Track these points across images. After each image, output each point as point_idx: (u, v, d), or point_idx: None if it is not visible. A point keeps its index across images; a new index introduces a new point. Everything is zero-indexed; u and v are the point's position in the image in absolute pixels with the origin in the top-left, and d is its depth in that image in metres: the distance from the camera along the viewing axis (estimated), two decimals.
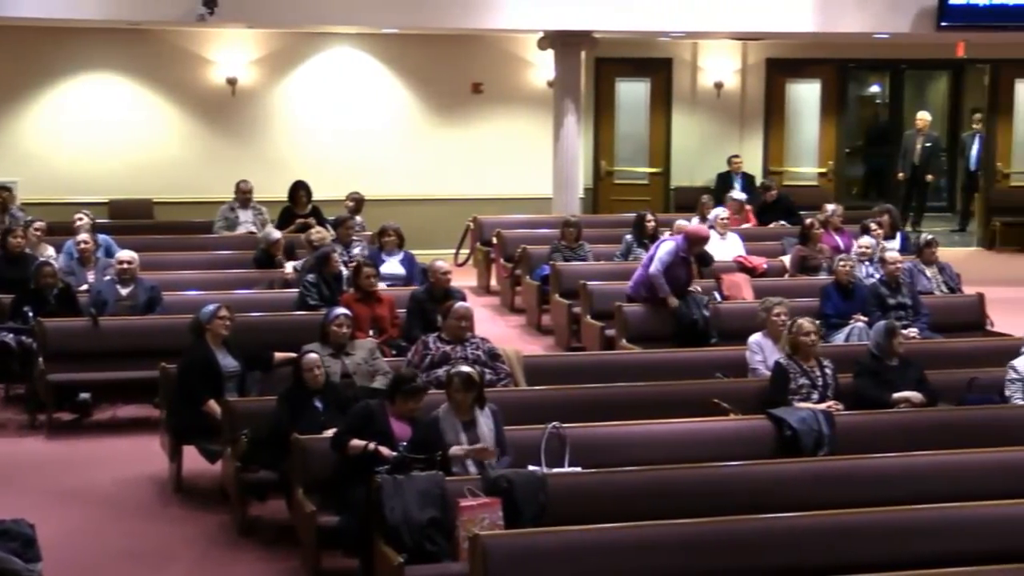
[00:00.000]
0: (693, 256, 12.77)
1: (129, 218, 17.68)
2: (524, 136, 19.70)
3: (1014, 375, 10.05)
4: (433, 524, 7.50)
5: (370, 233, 14.99)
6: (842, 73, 21.66)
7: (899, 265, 12.74)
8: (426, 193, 19.38)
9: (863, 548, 7.23)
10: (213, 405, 9.61)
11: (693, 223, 15.35)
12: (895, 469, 8.35)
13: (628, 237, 14.99)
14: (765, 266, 14.50)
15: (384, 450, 8.06)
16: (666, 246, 12.62)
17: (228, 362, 10.01)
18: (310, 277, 12.48)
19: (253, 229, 15.70)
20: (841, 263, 12.74)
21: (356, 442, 8.15)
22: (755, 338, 10.61)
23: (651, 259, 12.59)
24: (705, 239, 12.90)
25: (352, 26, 18.32)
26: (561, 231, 15.14)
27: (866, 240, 14.10)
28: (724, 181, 19.41)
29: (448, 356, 9.87)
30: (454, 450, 8.05)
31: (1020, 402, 9.92)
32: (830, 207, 15.79)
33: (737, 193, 17.50)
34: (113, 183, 18.52)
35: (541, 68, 19.61)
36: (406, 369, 9.23)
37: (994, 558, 7.04)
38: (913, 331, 11.92)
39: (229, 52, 18.99)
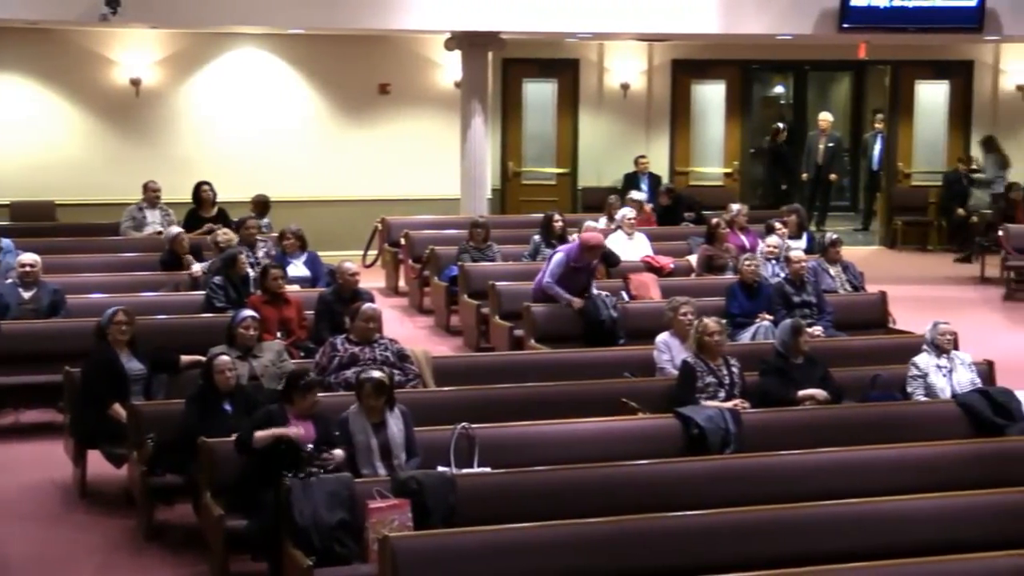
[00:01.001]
0: (587, 263, 12.73)
1: (31, 220, 17.43)
2: (432, 137, 19.68)
3: (915, 371, 10.21)
4: (342, 526, 7.48)
5: (275, 235, 14.90)
6: (746, 74, 21.85)
7: (803, 264, 12.88)
8: (334, 194, 19.30)
9: (771, 544, 7.30)
10: (118, 409, 9.50)
11: (601, 223, 15.45)
12: (801, 466, 8.45)
13: (536, 237, 15.03)
14: (672, 266, 14.59)
15: (292, 431, 8.02)
16: (556, 257, 12.70)
17: (133, 365, 9.91)
18: (216, 279, 12.39)
19: (160, 229, 15.56)
20: (747, 262, 12.86)
21: (261, 433, 8.10)
22: (662, 337, 10.69)
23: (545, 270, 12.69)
24: (597, 247, 12.83)
25: (258, 26, 18.20)
26: (469, 232, 15.14)
27: (773, 240, 14.24)
28: (631, 181, 19.52)
29: (356, 357, 9.85)
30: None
31: (921, 398, 10.08)
32: (735, 207, 15.95)
33: (637, 193, 17.57)
34: (14, 185, 18.24)
35: (448, 69, 19.60)
36: (297, 368, 9.21)
37: (898, 552, 7.13)
38: (817, 329, 12.06)
39: (133, 52, 18.78)
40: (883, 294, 13.32)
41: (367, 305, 10.33)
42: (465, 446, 8.54)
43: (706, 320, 9.97)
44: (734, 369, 9.85)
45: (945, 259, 19.81)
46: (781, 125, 19.97)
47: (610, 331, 12.20)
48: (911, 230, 21.18)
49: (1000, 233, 17.59)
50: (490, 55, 18.39)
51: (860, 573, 6.85)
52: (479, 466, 8.44)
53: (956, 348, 10.37)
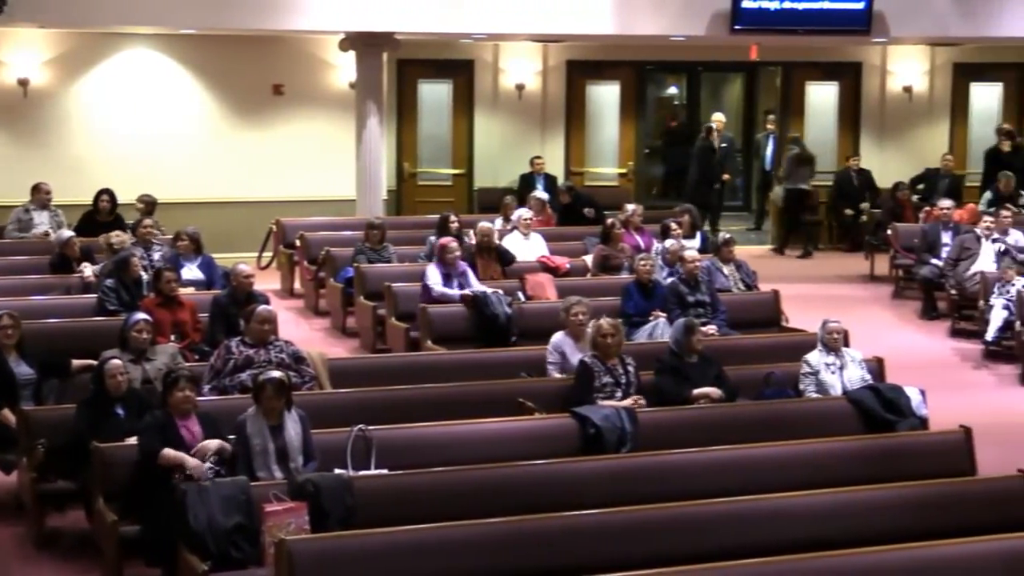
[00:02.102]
0: (448, 266, 12.99)
1: None
2: (327, 138, 19.58)
3: (807, 369, 10.35)
4: (238, 530, 7.43)
5: (169, 236, 14.75)
6: (640, 75, 21.99)
7: (697, 263, 13.00)
8: (228, 196, 19.12)
9: (668, 542, 7.36)
10: (7, 414, 9.35)
11: (497, 224, 15.49)
12: (696, 464, 8.53)
13: (432, 239, 14.99)
14: (568, 266, 14.66)
15: (194, 466, 7.95)
16: (429, 270, 13.01)
17: (22, 369, 9.76)
18: (109, 282, 12.24)
19: (49, 230, 15.33)
20: (642, 262, 12.94)
21: (170, 453, 8.03)
22: (557, 337, 10.73)
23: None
24: (447, 247, 13.11)
25: (149, 26, 17.98)
26: (365, 233, 15.09)
27: (671, 243, 14.28)
28: (527, 182, 19.56)
29: (251, 360, 9.79)
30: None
31: (813, 395, 10.22)
32: (630, 207, 16.05)
33: (540, 192, 17.66)
34: None
35: (343, 69, 19.51)
36: (172, 368, 9.19)
37: (794, 547, 7.22)
38: (711, 328, 12.16)
39: (20, 52, 18.47)
40: (776, 293, 13.47)
41: (261, 307, 10.27)
42: (362, 448, 8.52)
43: (600, 321, 10.02)
44: (630, 368, 9.92)
45: (836, 257, 20.10)
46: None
47: (504, 328, 12.23)
48: (803, 229, 21.42)
49: (889, 232, 17.87)
50: (385, 56, 18.34)
51: (754, 569, 6.91)
52: (376, 468, 8.43)
53: (847, 345, 10.53)
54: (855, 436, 9.33)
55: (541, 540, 7.24)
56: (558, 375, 10.38)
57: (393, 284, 13.36)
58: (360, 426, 8.61)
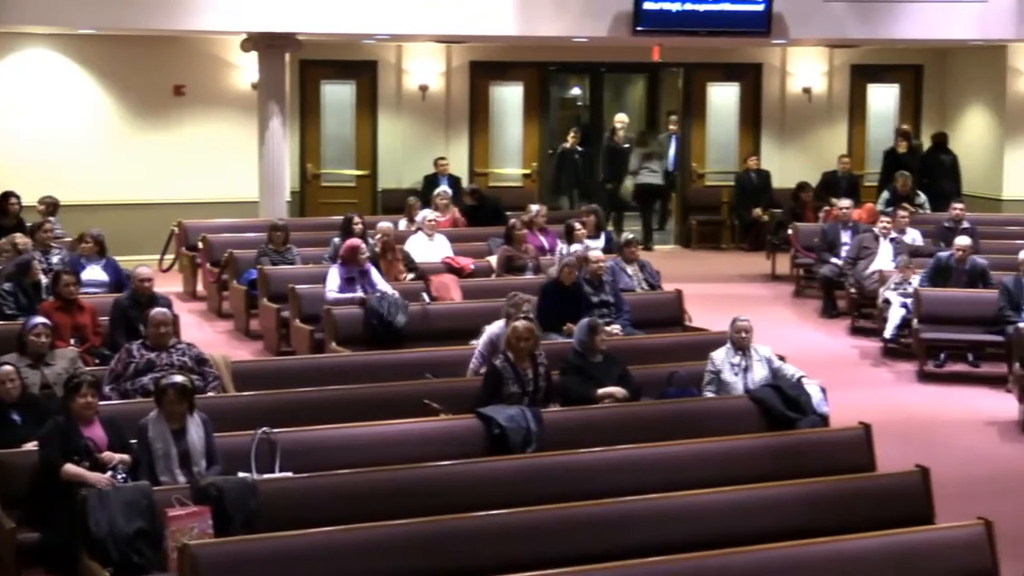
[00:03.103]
0: (352, 267, 12.93)
1: None
2: (229, 139, 19.42)
3: (710, 367, 10.43)
4: (141, 535, 7.36)
5: (70, 239, 14.56)
6: (544, 76, 22.05)
7: (602, 264, 13.05)
8: (129, 198, 18.89)
9: (574, 541, 7.39)
10: None
11: (401, 225, 15.46)
12: (601, 464, 8.57)
13: (336, 240, 14.93)
14: (472, 266, 14.67)
15: (95, 478, 7.86)
16: (330, 273, 12.95)
17: None
18: (6, 286, 12.06)
19: None
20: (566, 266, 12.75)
21: (72, 469, 7.93)
22: (495, 327, 10.69)
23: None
24: (353, 248, 13.06)
25: (46, 26, 17.71)
26: (269, 235, 15.01)
27: (576, 248, 14.27)
28: (431, 183, 19.55)
29: (153, 363, 9.71)
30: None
31: (710, 395, 10.27)
32: (534, 208, 16.10)
33: (445, 188, 17.64)
34: None
35: (245, 70, 19.37)
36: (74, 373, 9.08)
37: (699, 545, 7.28)
38: (616, 328, 12.22)
39: None
40: (679, 292, 13.57)
41: (156, 310, 10.18)
42: (267, 451, 8.47)
43: (518, 323, 9.98)
44: (541, 371, 9.89)
45: (738, 257, 20.30)
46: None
47: (398, 329, 12.16)
48: (705, 229, 21.64)
49: (790, 232, 18.09)
50: (287, 56, 18.25)
51: (659, 567, 6.95)
52: (281, 471, 8.39)
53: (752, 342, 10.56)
54: (758, 434, 9.42)
55: (446, 542, 7.24)
56: (475, 365, 10.38)
57: (297, 286, 13.29)
58: (264, 429, 8.56)
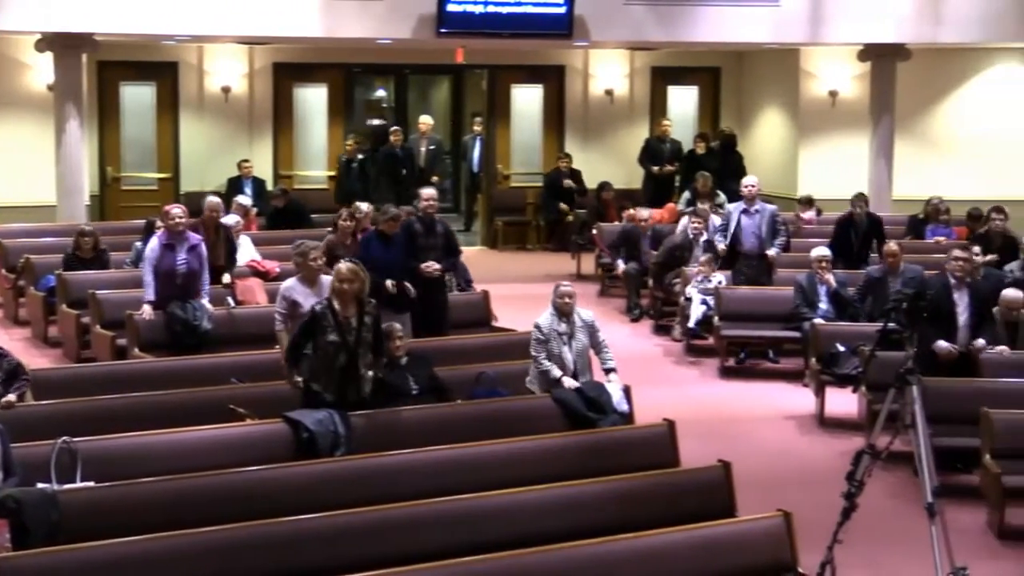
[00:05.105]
0: (174, 235, 12.58)
1: None
2: (24, 142, 18.95)
3: (539, 335, 10.34)
4: None
5: None
6: (348, 77, 21.99)
7: (434, 202, 12.78)
8: None
9: (385, 544, 7.39)
10: None
11: None
12: (411, 465, 8.58)
13: (139, 244, 14.66)
14: (278, 269, 14.53)
15: None
16: (152, 239, 12.61)
17: None
18: None
19: None
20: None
21: None
22: (288, 283, 10.62)
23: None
24: (169, 213, 12.58)
25: None
26: (76, 240, 14.62)
27: None
28: (235, 186, 19.34)
29: None
30: None
31: (545, 364, 10.23)
32: (363, 207, 15.93)
33: (242, 198, 17.39)
34: None
35: (40, 71, 18.91)
36: None
37: (508, 544, 7.34)
38: (433, 264, 12.22)
39: None
40: (486, 293, 13.65)
41: None
42: (67, 461, 8.29)
43: (340, 264, 9.48)
44: (367, 320, 9.28)
45: (544, 257, 20.50)
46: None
47: (203, 335, 11.99)
48: (511, 230, 21.81)
49: (594, 232, 18.32)
50: (84, 57, 17.85)
51: (468, 567, 6.99)
52: (83, 481, 8.21)
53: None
54: (565, 433, 9.52)
55: (256, 548, 7.16)
56: (281, 327, 10.31)
57: (98, 291, 13.01)
58: (64, 438, 8.37)
